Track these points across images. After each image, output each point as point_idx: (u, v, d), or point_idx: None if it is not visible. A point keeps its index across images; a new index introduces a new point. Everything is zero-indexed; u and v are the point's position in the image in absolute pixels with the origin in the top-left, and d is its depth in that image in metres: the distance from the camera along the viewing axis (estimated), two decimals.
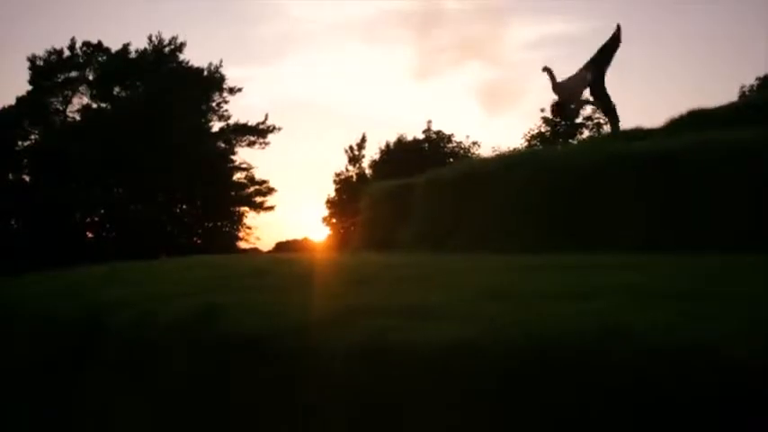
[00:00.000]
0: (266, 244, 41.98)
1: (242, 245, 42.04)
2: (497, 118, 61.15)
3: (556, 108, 10.75)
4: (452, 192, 8.16)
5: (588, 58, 10.11)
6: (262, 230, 44.24)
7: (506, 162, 7.66)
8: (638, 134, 10.06)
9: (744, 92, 38.74)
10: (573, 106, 10.80)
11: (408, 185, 9.51)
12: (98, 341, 4.55)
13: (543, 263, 4.95)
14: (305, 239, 38.67)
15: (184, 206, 42.38)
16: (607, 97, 10.52)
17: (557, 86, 10.45)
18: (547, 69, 10.45)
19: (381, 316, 3.62)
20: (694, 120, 9.94)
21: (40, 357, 4.99)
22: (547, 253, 5.86)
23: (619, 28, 10.19)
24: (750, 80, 42.44)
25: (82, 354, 4.65)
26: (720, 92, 62.82)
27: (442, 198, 8.38)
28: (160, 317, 4.22)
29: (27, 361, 5.10)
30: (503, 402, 2.91)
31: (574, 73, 10.53)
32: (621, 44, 10.22)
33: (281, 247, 37.53)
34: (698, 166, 6.15)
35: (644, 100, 63.06)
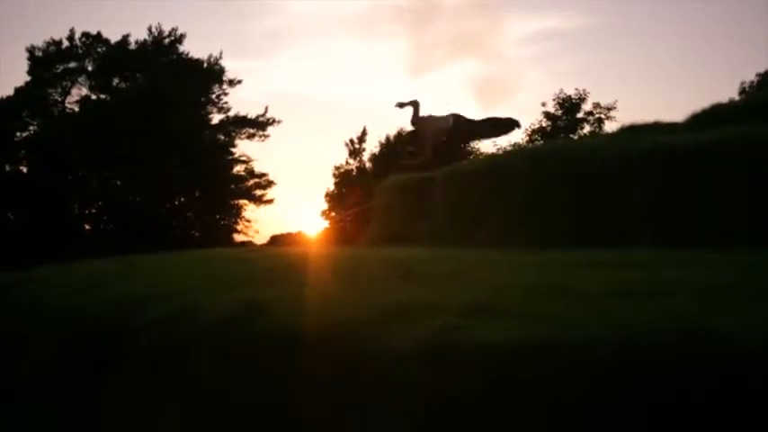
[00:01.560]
0: (262, 237, 41.66)
1: (237, 237, 41.84)
2: (492, 113, 60.88)
3: (411, 138, 10.70)
4: (474, 186, 8.01)
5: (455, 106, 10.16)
6: (260, 223, 43.84)
7: (531, 156, 7.50)
8: (660, 128, 9.92)
9: (744, 88, 38.67)
10: (427, 142, 10.58)
11: (426, 179, 9.35)
12: (130, 338, 4.40)
13: (584, 258, 4.82)
14: (299, 233, 38.49)
15: (183, 198, 42.15)
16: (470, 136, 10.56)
17: (417, 120, 10.37)
18: (413, 103, 10.38)
19: (439, 313, 3.48)
20: (716, 114, 9.81)
21: (66, 355, 4.83)
22: (576, 249, 5.73)
23: (517, 124, 10.14)
24: (750, 76, 42.33)
25: (112, 351, 4.50)
26: (719, 89, 62.66)
27: (462, 192, 8.23)
28: (200, 313, 4.07)
29: (52, 359, 4.94)
30: (582, 405, 2.78)
31: (442, 114, 10.42)
32: (507, 133, 10.11)
33: (276, 240, 37.32)
34: (736, 161, 6.02)
35: (642, 97, 62.98)
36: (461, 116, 10.50)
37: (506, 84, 61.16)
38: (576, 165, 6.63)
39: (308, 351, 3.45)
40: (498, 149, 36.14)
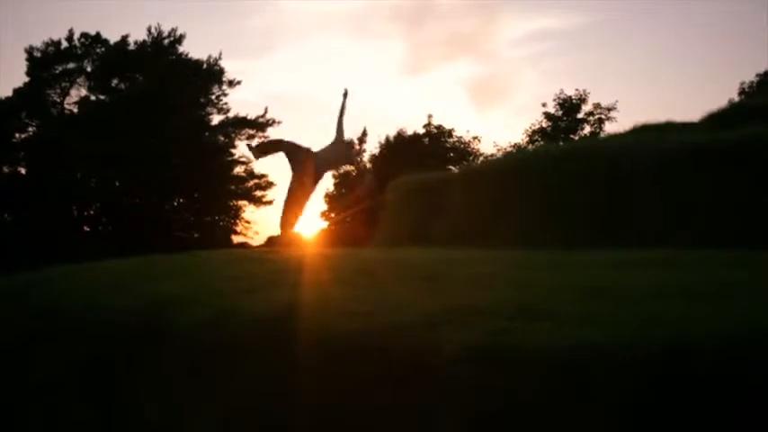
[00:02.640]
0: (261, 238, 41.51)
1: (236, 239, 41.66)
2: (487, 113, 60.86)
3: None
4: (493, 186, 7.96)
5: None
6: (259, 225, 43.66)
7: (554, 155, 7.44)
8: (675, 128, 9.89)
9: (743, 88, 38.67)
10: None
11: (442, 179, 9.30)
12: (163, 341, 4.34)
13: (622, 258, 4.77)
14: (296, 235, 38.28)
15: (182, 200, 42.01)
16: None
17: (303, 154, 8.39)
18: (280, 145, 8.66)
19: (485, 317, 3.43)
20: (733, 113, 9.79)
21: (96, 357, 4.76)
22: (606, 248, 5.68)
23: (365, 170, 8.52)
24: (750, 77, 42.32)
25: (145, 354, 4.43)
26: (719, 90, 62.71)
27: (481, 192, 8.17)
28: (239, 316, 4.01)
29: (81, 360, 4.87)
30: (638, 410, 2.73)
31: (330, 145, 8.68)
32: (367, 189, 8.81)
33: (273, 241, 37.19)
34: (763, 159, 5.98)
35: (641, 98, 63.04)
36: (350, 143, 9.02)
37: (502, 84, 61.18)
38: (604, 164, 6.58)
39: (355, 355, 3.40)
40: (499, 150, 36.26)
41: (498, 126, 63.24)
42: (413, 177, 10.53)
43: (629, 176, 6.49)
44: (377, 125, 72.12)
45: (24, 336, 5.39)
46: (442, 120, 42.28)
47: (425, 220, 9.29)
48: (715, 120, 9.30)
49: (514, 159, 8.88)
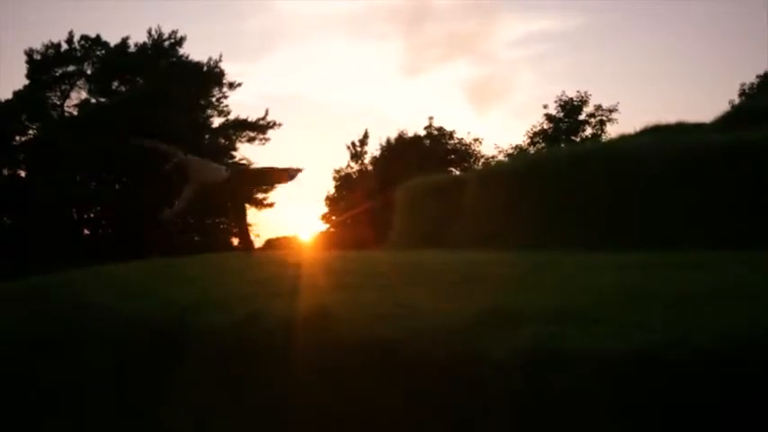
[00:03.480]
0: (261, 241, 41.37)
1: (235, 242, 41.50)
2: (486, 115, 60.83)
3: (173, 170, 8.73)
4: (510, 187, 7.91)
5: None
6: (260, 227, 43.52)
7: (572, 156, 7.40)
8: (687, 128, 9.86)
9: (744, 90, 38.64)
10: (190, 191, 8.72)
11: (455, 180, 9.25)
12: (193, 344, 4.28)
13: (655, 260, 4.71)
14: (293, 237, 38.27)
15: None
16: (244, 210, 9.58)
17: (184, 161, 8.59)
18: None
19: (527, 320, 3.38)
20: (744, 114, 9.76)
21: (117, 363, 4.71)
22: (633, 249, 5.63)
23: (295, 173, 8.42)
24: (750, 78, 42.27)
25: (175, 357, 4.38)
26: (719, 91, 62.78)
27: (498, 193, 8.12)
28: (269, 319, 3.95)
29: (101, 367, 4.80)
30: (695, 418, 2.68)
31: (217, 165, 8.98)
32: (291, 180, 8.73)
33: (272, 244, 37.09)
34: None
35: (640, 99, 63.10)
36: (239, 167, 9.03)
37: (500, 85, 61.20)
38: (625, 165, 6.53)
39: (395, 359, 3.34)
40: (500, 152, 36.23)
41: (497, 128, 63.17)
42: (424, 179, 10.48)
43: (654, 177, 6.44)
44: (376, 126, 72.15)
45: (41, 341, 5.33)
46: (441, 121, 42.18)
47: (439, 221, 9.23)
48: (728, 120, 9.27)
49: (532, 160, 8.82)
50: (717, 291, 3.54)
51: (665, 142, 6.81)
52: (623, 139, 8.97)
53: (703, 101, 56.86)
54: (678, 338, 2.78)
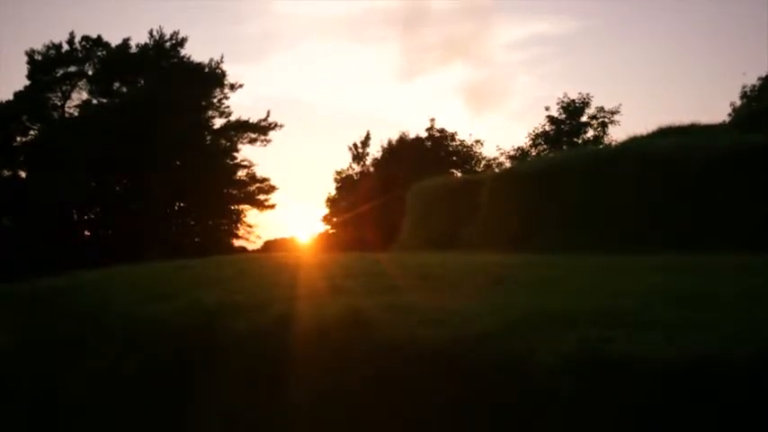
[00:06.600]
0: (257, 243, 41.24)
1: (236, 243, 41.40)
2: (484, 117, 60.72)
3: None
4: (529, 188, 7.82)
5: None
6: (261, 229, 43.42)
7: (597, 157, 7.31)
8: (701, 130, 9.79)
9: (745, 92, 38.55)
10: None
11: (468, 182, 9.17)
12: (226, 346, 4.19)
13: (699, 262, 4.63)
14: (292, 239, 38.18)
15: (183, 204, 41.73)
16: None
17: None
18: None
19: (573, 323, 3.31)
20: (759, 116, 9.70)
21: (146, 367, 4.61)
22: (652, 252, 5.56)
23: None
24: (751, 80, 42.18)
25: (198, 360, 4.29)
26: (719, 92, 62.65)
27: (516, 195, 8.04)
28: (303, 322, 3.88)
29: (136, 365, 4.70)
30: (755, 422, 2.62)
31: None
32: None
33: (270, 246, 36.98)
34: None
35: (639, 100, 63.04)
36: None
37: (499, 88, 61.11)
38: (657, 166, 6.42)
39: (438, 363, 3.27)
40: (502, 154, 36.13)
41: (495, 130, 63.03)
42: (435, 180, 10.39)
43: (682, 178, 6.37)
44: (374, 128, 72.56)
45: (67, 343, 5.24)
46: (441, 124, 41.93)
47: (453, 223, 9.15)
48: (739, 122, 9.21)
49: (553, 162, 8.73)
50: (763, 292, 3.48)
51: (693, 143, 6.73)
52: (636, 140, 8.91)
53: (704, 101, 56.79)
54: (743, 339, 2.72)
